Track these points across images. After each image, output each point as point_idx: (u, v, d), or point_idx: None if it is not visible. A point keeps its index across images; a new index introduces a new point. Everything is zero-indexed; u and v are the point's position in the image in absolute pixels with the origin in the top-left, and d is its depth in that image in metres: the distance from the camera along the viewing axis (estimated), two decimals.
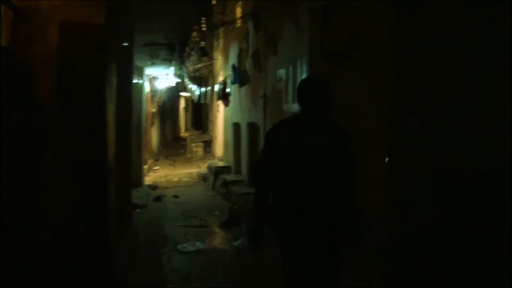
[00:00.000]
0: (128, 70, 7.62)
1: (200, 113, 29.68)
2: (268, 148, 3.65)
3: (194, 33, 12.44)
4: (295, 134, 3.53)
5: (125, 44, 6.70)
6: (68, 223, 4.35)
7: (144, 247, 7.15)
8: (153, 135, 19.71)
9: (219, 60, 16.35)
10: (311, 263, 3.50)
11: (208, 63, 16.79)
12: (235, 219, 8.58)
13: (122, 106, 6.88)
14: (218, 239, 7.79)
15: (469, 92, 3.73)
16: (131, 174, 8.50)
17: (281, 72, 8.74)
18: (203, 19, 10.98)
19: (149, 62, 11.15)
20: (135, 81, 11.05)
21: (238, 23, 10.86)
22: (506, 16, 3.36)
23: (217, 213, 9.61)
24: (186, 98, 30.27)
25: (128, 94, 7.80)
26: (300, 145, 3.48)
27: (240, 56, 9.82)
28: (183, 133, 32.86)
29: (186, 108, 35.17)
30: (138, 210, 9.70)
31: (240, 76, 9.76)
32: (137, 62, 11.20)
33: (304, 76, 7.52)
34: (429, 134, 4.02)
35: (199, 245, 7.22)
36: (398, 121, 4.33)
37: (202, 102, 15.56)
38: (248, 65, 9.47)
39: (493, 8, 3.52)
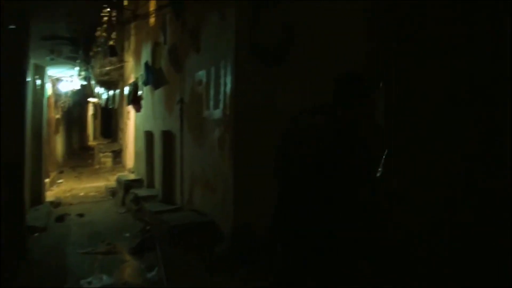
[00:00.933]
0: (19, 65, 6.32)
1: (110, 121, 28.40)
2: (284, 145, 3.38)
3: (104, 33, 11.22)
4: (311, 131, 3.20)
5: (12, 27, 5.42)
6: None
7: (40, 285, 5.87)
8: (58, 144, 18.10)
9: (130, 62, 15.08)
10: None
11: (118, 65, 15.51)
12: (148, 242, 7.40)
13: (11, 110, 5.73)
14: (129, 269, 6.59)
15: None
16: (24, 192, 7.22)
17: (202, 73, 7.80)
18: (113, 12, 9.77)
19: (48, 58, 9.67)
20: (31, 80, 9.62)
21: (152, 16, 9.72)
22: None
23: (127, 235, 8.37)
24: (95, 104, 28.88)
25: (20, 95, 6.54)
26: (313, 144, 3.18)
27: (154, 52, 8.65)
28: (91, 142, 31.16)
29: (95, 115, 33.63)
30: (36, 234, 8.33)
31: (154, 76, 8.47)
32: (36, 60, 9.83)
33: (229, 78, 6.64)
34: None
35: (106, 279, 6.03)
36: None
37: (110, 106, 14.24)
38: (163, 63, 8.32)
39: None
